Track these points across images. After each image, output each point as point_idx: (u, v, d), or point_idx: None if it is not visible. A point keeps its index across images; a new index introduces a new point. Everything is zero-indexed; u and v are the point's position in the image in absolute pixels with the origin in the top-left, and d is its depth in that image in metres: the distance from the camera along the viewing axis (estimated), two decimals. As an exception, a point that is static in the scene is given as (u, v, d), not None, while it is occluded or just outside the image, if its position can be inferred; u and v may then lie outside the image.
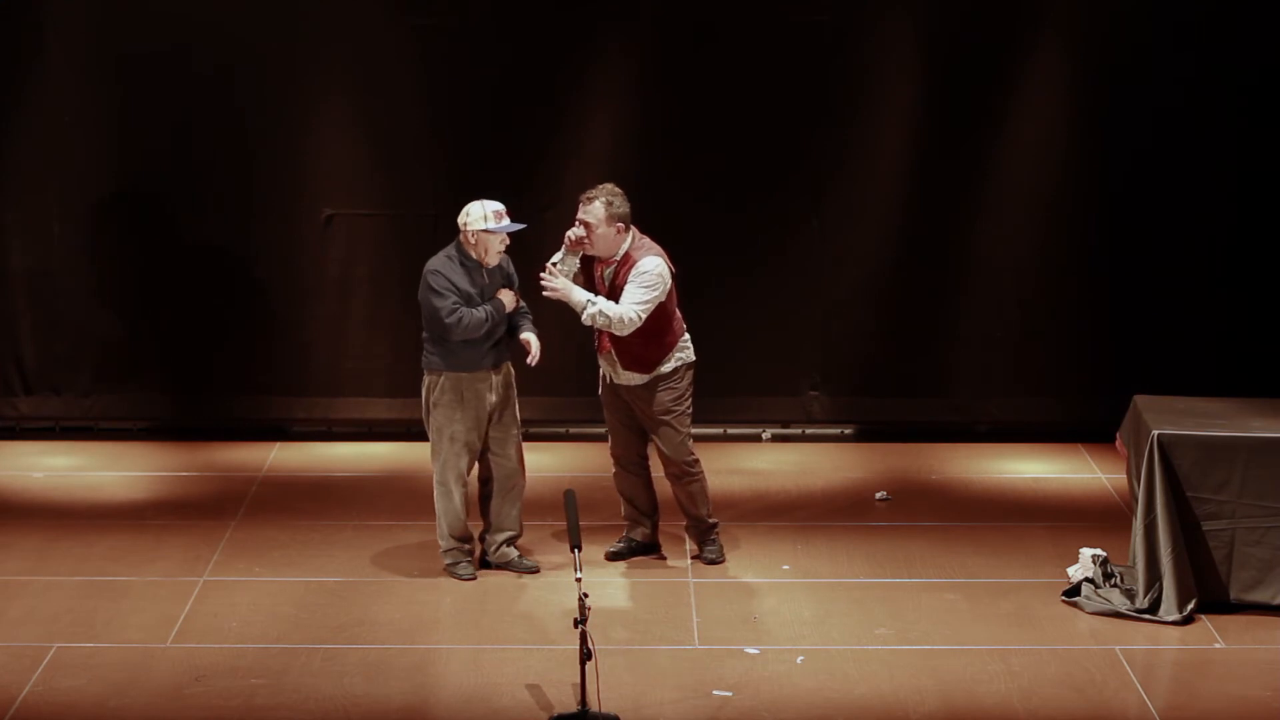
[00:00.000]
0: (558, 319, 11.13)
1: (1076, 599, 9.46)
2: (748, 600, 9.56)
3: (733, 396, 12.04)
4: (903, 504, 11.04)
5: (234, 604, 9.46)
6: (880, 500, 11.10)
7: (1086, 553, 9.59)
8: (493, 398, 9.66)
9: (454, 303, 9.47)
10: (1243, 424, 9.45)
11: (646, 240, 9.69)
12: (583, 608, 7.98)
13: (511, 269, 9.77)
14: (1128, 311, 12.04)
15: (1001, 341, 12.12)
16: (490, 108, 11.82)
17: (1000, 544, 10.35)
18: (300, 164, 11.91)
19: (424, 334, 9.67)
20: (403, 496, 11.01)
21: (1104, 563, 9.52)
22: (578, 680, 8.05)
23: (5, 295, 12.00)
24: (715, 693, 8.51)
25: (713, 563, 10.00)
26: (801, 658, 8.86)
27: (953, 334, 12.12)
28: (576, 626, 7.97)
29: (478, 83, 11.80)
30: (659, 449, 9.85)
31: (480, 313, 9.51)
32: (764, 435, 12.30)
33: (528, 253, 10.82)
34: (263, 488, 11.28)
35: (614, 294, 9.62)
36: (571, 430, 12.22)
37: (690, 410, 9.83)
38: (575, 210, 11.60)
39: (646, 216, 9.77)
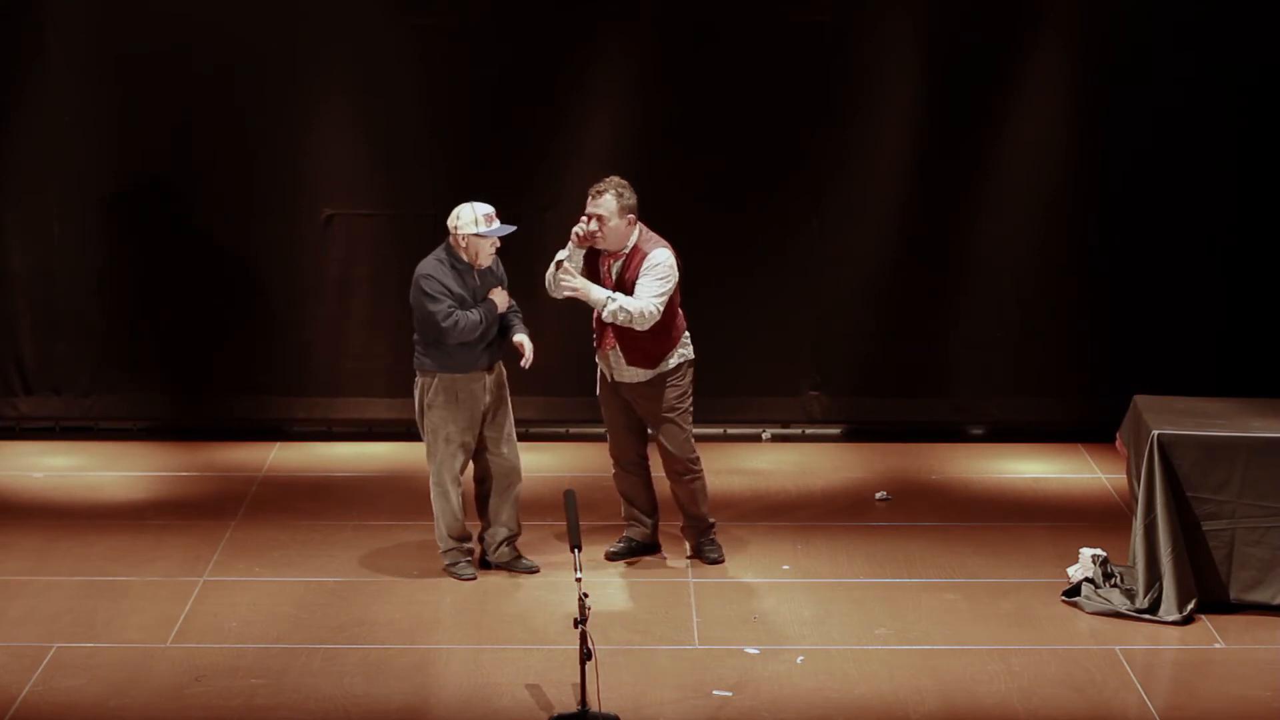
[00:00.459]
0: (554, 319, 11.16)
1: (1076, 599, 9.46)
2: (748, 600, 9.56)
3: (733, 396, 12.04)
4: (903, 504, 11.04)
5: (234, 604, 9.46)
6: (880, 500, 11.10)
7: (1086, 553, 9.59)
8: (487, 398, 9.66)
9: (449, 306, 9.47)
10: (1243, 424, 9.45)
11: (652, 233, 9.68)
12: (583, 608, 7.98)
13: (501, 269, 9.77)
14: (1128, 311, 12.04)
15: (1001, 341, 12.12)
16: (490, 108, 11.82)
17: (1000, 544, 10.35)
18: (300, 164, 11.91)
19: (415, 336, 9.67)
20: (403, 496, 11.01)
21: (1104, 563, 9.52)
22: (578, 680, 8.05)
23: (5, 295, 12.00)
24: (715, 693, 8.51)
25: (714, 562, 10.00)
26: (801, 658, 8.86)
27: (953, 334, 12.12)
28: (576, 626, 7.97)
29: (478, 83, 11.80)
30: (662, 447, 9.84)
31: (475, 315, 9.51)
32: (764, 435, 12.30)
33: (528, 252, 10.83)
34: (263, 488, 11.28)
35: (622, 288, 9.60)
36: (571, 430, 12.22)
37: (691, 408, 9.83)
38: (576, 209, 11.61)
39: (647, 216, 9.77)
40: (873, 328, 12.13)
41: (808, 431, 12.33)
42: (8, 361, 12.10)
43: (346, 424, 12.25)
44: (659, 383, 9.72)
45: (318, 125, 11.88)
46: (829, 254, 12.03)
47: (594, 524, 10.34)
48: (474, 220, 9.51)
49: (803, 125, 11.87)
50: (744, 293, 11.99)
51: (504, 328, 9.73)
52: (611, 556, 10.03)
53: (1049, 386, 12.18)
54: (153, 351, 12.10)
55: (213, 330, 12.07)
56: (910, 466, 11.72)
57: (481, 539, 9.94)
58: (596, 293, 9.52)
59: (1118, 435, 10.04)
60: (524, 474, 9.91)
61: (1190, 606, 9.25)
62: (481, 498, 9.88)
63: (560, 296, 9.65)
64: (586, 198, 9.64)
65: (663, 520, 10.16)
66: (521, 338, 9.70)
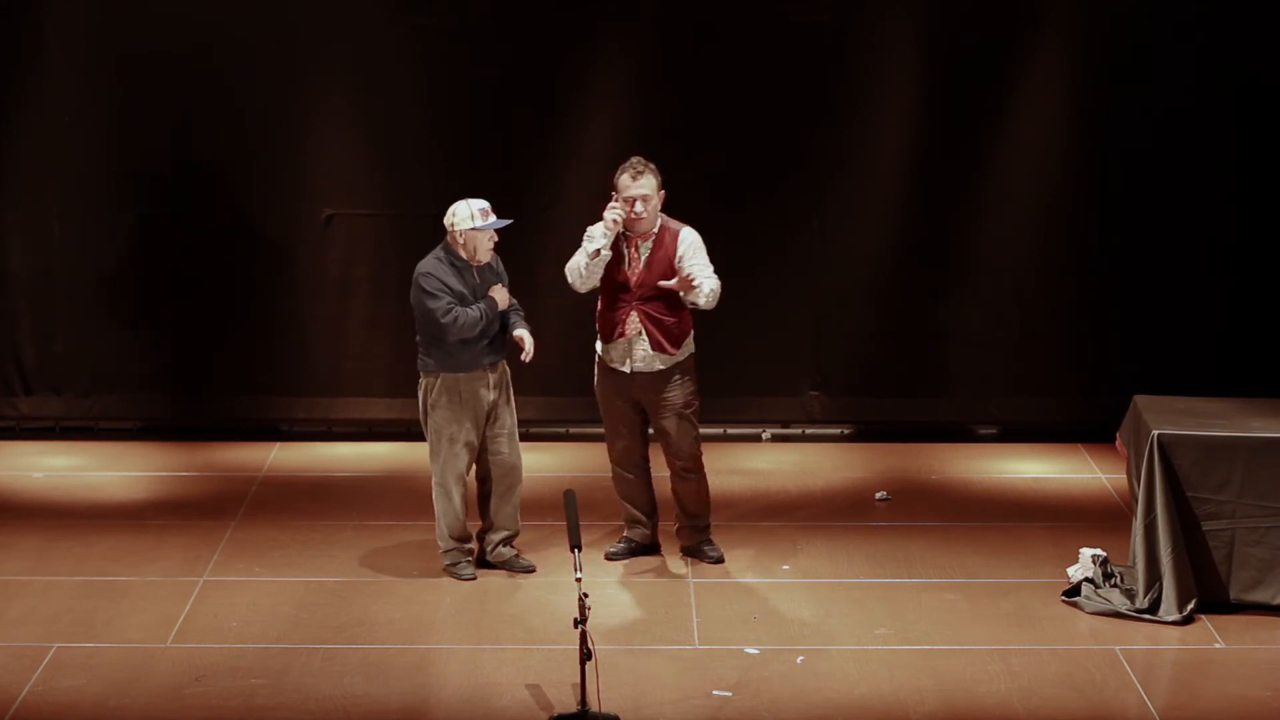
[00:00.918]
0: (554, 319, 11.16)
1: (1076, 599, 9.46)
2: (748, 600, 9.56)
3: (733, 396, 12.03)
4: (903, 504, 11.04)
5: (234, 604, 9.47)
6: (880, 500, 11.10)
7: (1086, 553, 9.59)
8: (490, 396, 9.65)
9: (448, 303, 9.47)
10: (1243, 424, 9.45)
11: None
12: (582, 608, 7.98)
13: (500, 266, 9.77)
14: (1128, 311, 12.04)
15: (1001, 341, 12.12)
16: (490, 108, 11.82)
17: (1000, 544, 10.35)
18: (300, 164, 11.91)
19: (418, 337, 9.67)
20: (403, 496, 11.01)
21: (1104, 563, 9.52)
22: (578, 680, 8.05)
23: (5, 295, 12.00)
24: (715, 693, 8.51)
25: (714, 561, 10.00)
26: (801, 658, 8.86)
27: (953, 334, 12.12)
28: (576, 626, 7.97)
29: (478, 83, 11.80)
30: (670, 445, 9.81)
31: (475, 311, 9.51)
32: (764, 435, 12.30)
33: (529, 252, 10.84)
34: (263, 488, 11.28)
35: (651, 270, 9.56)
36: (571, 430, 12.22)
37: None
38: (576, 209, 11.63)
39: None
40: (873, 328, 12.13)
41: (808, 431, 12.33)
42: (8, 361, 12.10)
43: (346, 424, 12.25)
44: (674, 374, 9.69)
45: (318, 125, 11.88)
46: (829, 254, 12.03)
47: (594, 524, 10.34)
48: (469, 215, 9.51)
49: (803, 125, 11.87)
50: (744, 293, 11.96)
51: (505, 325, 9.73)
52: (611, 557, 10.03)
53: (1049, 386, 12.18)
54: (153, 351, 12.10)
55: (213, 330, 12.07)
56: (910, 466, 11.72)
57: (480, 539, 9.94)
58: (697, 275, 9.46)
59: (1118, 435, 10.04)
60: (524, 474, 9.91)
61: (1190, 606, 9.25)
62: (483, 497, 9.88)
63: (589, 287, 9.55)
64: (617, 180, 9.57)
65: (662, 520, 10.16)
66: (522, 332, 9.70)
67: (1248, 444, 9.29)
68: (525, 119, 11.84)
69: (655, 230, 9.62)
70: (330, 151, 11.91)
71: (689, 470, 9.88)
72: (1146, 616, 9.26)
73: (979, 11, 11.79)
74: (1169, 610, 9.23)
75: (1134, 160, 11.87)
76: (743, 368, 12.03)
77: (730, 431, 12.26)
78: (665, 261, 9.58)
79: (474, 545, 9.90)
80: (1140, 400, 9.83)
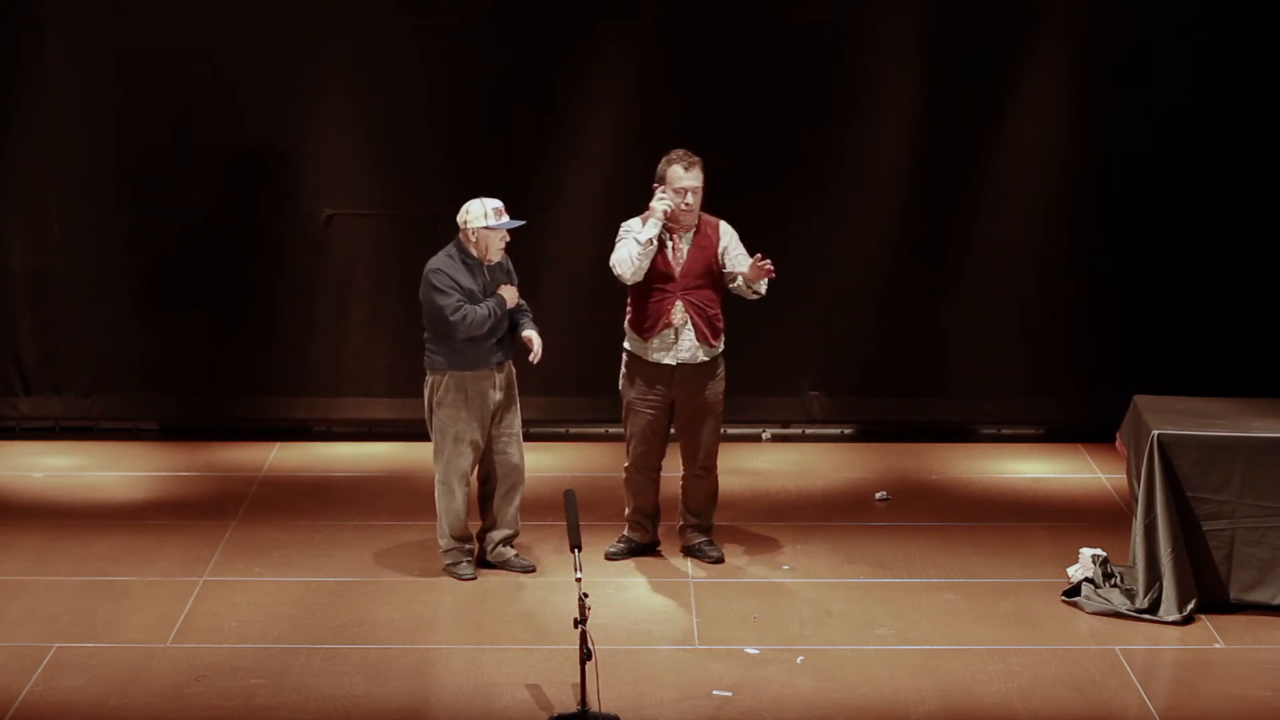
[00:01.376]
0: (555, 319, 11.16)
1: (1076, 599, 9.46)
2: (748, 600, 9.56)
3: (733, 396, 11.95)
4: (903, 504, 11.04)
5: (234, 604, 9.46)
6: (880, 500, 11.10)
7: (1086, 553, 9.59)
8: (496, 396, 9.65)
9: (458, 300, 9.48)
10: (1243, 424, 9.45)
11: None
12: (582, 608, 7.98)
13: (511, 266, 9.77)
14: (1128, 311, 12.04)
15: (1001, 341, 12.12)
16: (490, 108, 11.82)
17: (1000, 544, 10.35)
18: (300, 164, 11.91)
19: (425, 334, 9.67)
20: (403, 496, 11.01)
21: (1104, 563, 9.52)
22: (578, 680, 8.05)
23: (5, 295, 12.00)
24: (715, 693, 8.51)
25: (714, 561, 10.00)
26: (801, 658, 8.86)
27: (953, 334, 12.12)
28: (576, 626, 7.97)
29: (478, 83, 11.80)
30: (697, 444, 9.79)
31: (484, 309, 9.51)
32: (764, 435, 12.30)
33: (531, 252, 10.83)
34: (263, 488, 11.27)
35: (694, 261, 9.60)
36: (571, 430, 12.23)
37: None
38: (576, 209, 11.63)
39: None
40: (873, 328, 12.13)
41: (808, 431, 12.33)
42: (8, 361, 12.10)
43: (346, 424, 12.25)
44: (714, 368, 9.73)
45: (318, 125, 11.88)
46: (829, 254, 12.03)
47: (594, 524, 10.34)
48: (483, 214, 9.52)
49: (803, 125, 11.87)
50: (744, 292, 12.00)
51: (513, 325, 9.72)
52: (611, 557, 10.03)
53: (1049, 386, 12.18)
54: (153, 351, 12.10)
55: (213, 330, 12.07)
56: (910, 466, 11.72)
57: (481, 538, 9.93)
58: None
59: (1118, 435, 10.04)
60: (525, 474, 9.92)
61: (1190, 606, 9.25)
62: (485, 497, 9.88)
63: (636, 280, 9.55)
64: (665, 171, 9.57)
65: (662, 520, 10.16)
66: (530, 333, 9.69)
67: (1248, 444, 9.29)
68: (525, 119, 11.84)
69: (696, 222, 9.64)
70: (330, 151, 11.91)
71: (709, 470, 9.90)
72: (1146, 616, 9.26)
73: (979, 11, 11.80)
74: (1169, 610, 9.23)
75: (1134, 160, 11.87)
76: (743, 368, 12.00)
77: (730, 431, 12.24)
78: (708, 252, 9.62)
79: (474, 545, 9.90)
80: (1140, 400, 9.82)
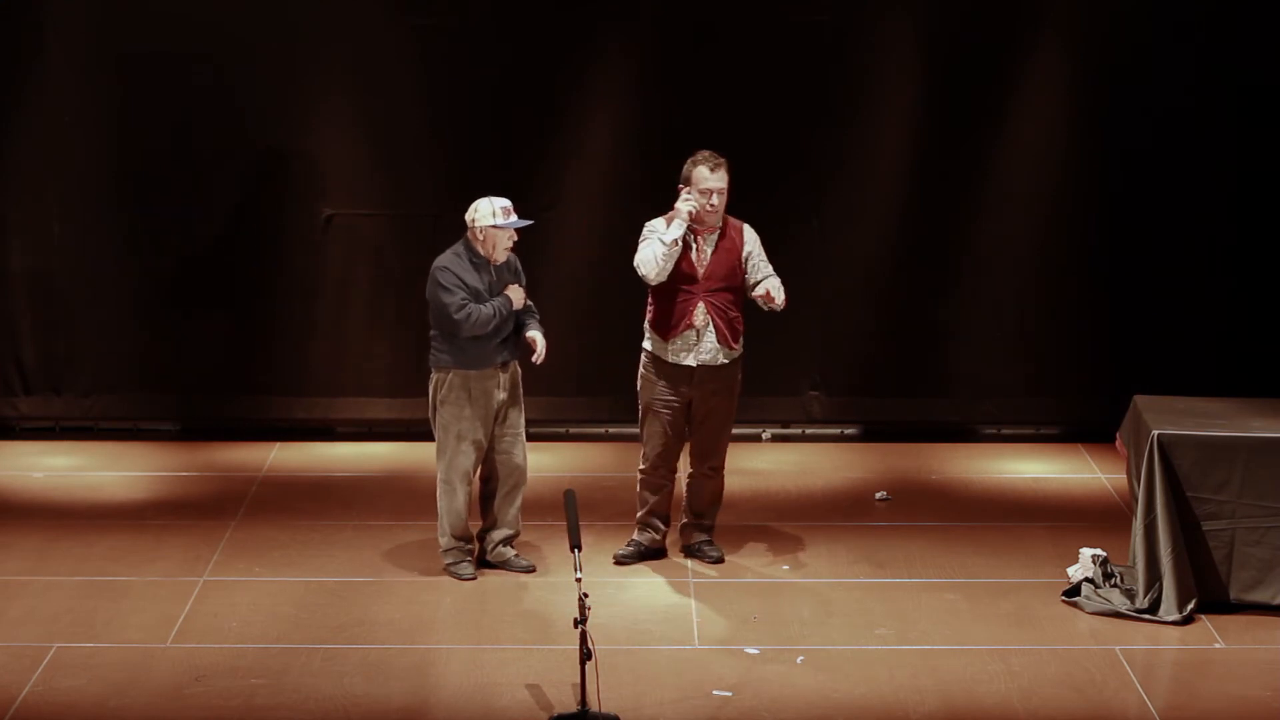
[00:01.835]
0: (555, 319, 11.15)
1: (1076, 599, 9.46)
2: (748, 600, 9.56)
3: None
4: (903, 504, 11.04)
5: (234, 604, 9.46)
6: (880, 500, 11.10)
7: (1086, 553, 9.59)
8: (501, 395, 9.65)
9: (463, 299, 9.48)
10: (1243, 424, 9.45)
11: None
12: (582, 608, 7.98)
13: (519, 266, 9.77)
14: (1128, 311, 12.04)
15: (1001, 341, 12.12)
16: (490, 108, 11.82)
17: (1000, 544, 10.35)
18: (300, 164, 11.91)
19: (431, 332, 9.67)
20: (403, 496, 11.01)
21: (1104, 563, 9.52)
22: (578, 680, 8.05)
23: (5, 295, 12.00)
24: (715, 693, 8.51)
25: (714, 561, 10.00)
26: (801, 658, 8.86)
27: (953, 334, 12.12)
28: (576, 626, 7.97)
29: (478, 83, 11.80)
30: (711, 445, 9.82)
31: (489, 309, 9.50)
32: (764, 435, 12.30)
33: (535, 252, 10.83)
34: (263, 488, 11.27)
35: (718, 263, 9.61)
36: (571, 430, 12.23)
37: None
38: (576, 209, 11.62)
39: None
40: (873, 328, 12.13)
41: (808, 431, 12.33)
42: (8, 361, 12.10)
43: (346, 424, 12.25)
44: (732, 370, 9.73)
45: (318, 125, 11.88)
46: (829, 254, 12.03)
47: (594, 524, 10.34)
48: (491, 213, 9.52)
49: (803, 125, 11.87)
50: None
51: (518, 326, 9.72)
52: (620, 560, 10.01)
53: (1049, 386, 12.18)
54: (153, 351, 12.09)
55: (213, 330, 12.06)
56: (910, 466, 11.72)
57: (481, 538, 9.93)
58: (775, 282, 9.60)
59: (1118, 435, 10.04)
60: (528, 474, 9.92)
61: (1190, 606, 9.25)
62: (486, 497, 9.88)
63: (662, 279, 9.55)
64: (691, 172, 9.58)
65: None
66: (535, 333, 9.69)
67: (1248, 444, 9.29)
68: (525, 119, 11.83)
69: (720, 224, 9.64)
70: (330, 151, 11.91)
71: (718, 470, 9.91)
72: (1146, 616, 9.27)
73: (979, 11, 11.80)
74: (1169, 610, 9.23)
75: (1134, 160, 11.87)
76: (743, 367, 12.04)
77: (730, 431, 12.25)
78: (733, 254, 9.64)
79: (474, 545, 9.90)
80: (1140, 400, 9.83)
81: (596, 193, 11.88)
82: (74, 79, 11.76)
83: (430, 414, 9.72)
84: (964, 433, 12.27)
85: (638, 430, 9.93)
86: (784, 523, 10.69)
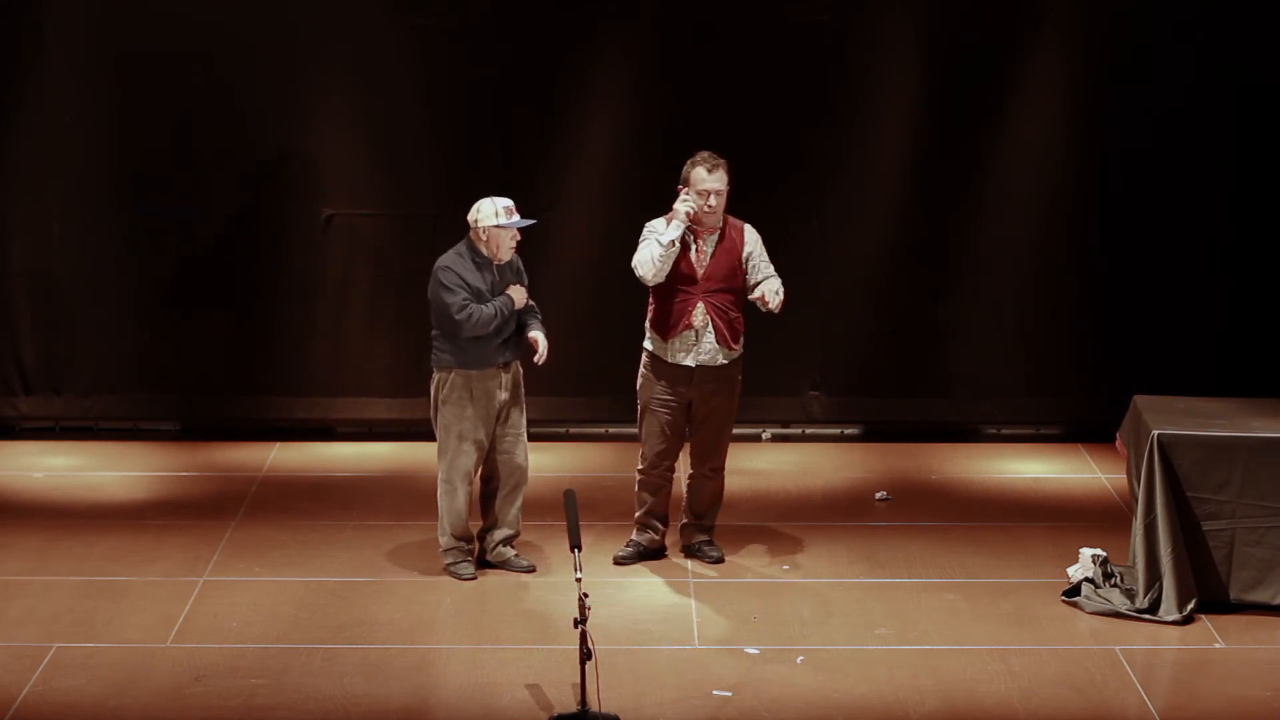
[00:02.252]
0: (555, 319, 11.14)
1: (1076, 599, 9.46)
2: (748, 600, 9.56)
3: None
4: (903, 504, 11.04)
5: (234, 604, 9.46)
6: (880, 500, 11.10)
7: (1086, 553, 9.59)
8: (502, 395, 9.65)
9: (464, 299, 9.47)
10: (1243, 424, 9.45)
11: None
12: (582, 608, 7.98)
13: (521, 266, 9.77)
14: (1128, 311, 12.04)
15: (1001, 341, 12.12)
16: (490, 108, 11.82)
17: (1000, 544, 10.35)
18: (300, 164, 11.91)
19: (433, 331, 9.66)
20: (403, 496, 11.01)
21: (1104, 563, 9.52)
22: (578, 680, 8.05)
23: (5, 295, 12.00)
24: (715, 693, 8.51)
25: (714, 561, 10.00)
26: (801, 658, 8.86)
27: (953, 334, 12.12)
28: (576, 626, 7.97)
29: (478, 83, 11.80)
30: (711, 446, 9.81)
31: (490, 309, 9.50)
32: (764, 435, 12.30)
33: (535, 252, 10.83)
34: (263, 488, 11.27)
35: (718, 263, 9.60)
36: (571, 430, 12.23)
37: None
38: (576, 209, 11.61)
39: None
40: (873, 328, 12.13)
41: (808, 431, 12.33)
42: (8, 361, 12.10)
43: (346, 424, 12.25)
44: (732, 371, 9.72)
45: (318, 125, 11.88)
46: (829, 254, 12.03)
47: (594, 524, 10.34)
48: (494, 213, 9.52)
49: (803, 125, 11.87)
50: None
51: (520, 326, 9.72)
52: (620, 561, 10.01)
53: (1049, 386, 12.18)
54: (153, 351, 12.09)
55: (213, 330, 12.06)
56: (910, 466, 11.72)
57: (481, 538, 9.93)
58: (773, 287, 9.58)
59: (1118, 435, 10.04)
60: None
61: (1190, 606, 9.25)
62: (487, 497, 9.88)
63: (660, 279, 9.55)
64: (689, 173, 9.58)
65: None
66: (536, 334, 9.69)
67: (1248, 444, 9.29)
68: (525, 119, 11.83)
69: (721, 224, 9.64)
70: (330, 151, 11.91)
71: (718, 470, 9.91)
72: (1146, 616, 9.27)
73: (979, 11, 11.80)
74: (1169, 610, 9.23)
75: (1134, 160, 11.87)
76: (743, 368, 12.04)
77: (731, 432, 12.25)
78: (733, 255, 9.63)
79: (474, 545, 9.90)
80: (1140, 400, 9.83)
81: (596, 193, 11.89)
82: (74, 79, 11.76)
83: (432, 414, 9.72)
84: (964, 433, 12.27)
85: (637, 430, 9.93)
86: (784, 523, 10.69)
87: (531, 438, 9.93)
